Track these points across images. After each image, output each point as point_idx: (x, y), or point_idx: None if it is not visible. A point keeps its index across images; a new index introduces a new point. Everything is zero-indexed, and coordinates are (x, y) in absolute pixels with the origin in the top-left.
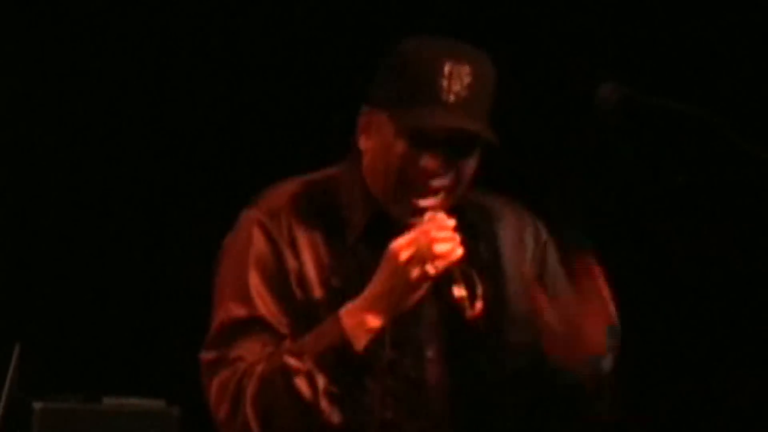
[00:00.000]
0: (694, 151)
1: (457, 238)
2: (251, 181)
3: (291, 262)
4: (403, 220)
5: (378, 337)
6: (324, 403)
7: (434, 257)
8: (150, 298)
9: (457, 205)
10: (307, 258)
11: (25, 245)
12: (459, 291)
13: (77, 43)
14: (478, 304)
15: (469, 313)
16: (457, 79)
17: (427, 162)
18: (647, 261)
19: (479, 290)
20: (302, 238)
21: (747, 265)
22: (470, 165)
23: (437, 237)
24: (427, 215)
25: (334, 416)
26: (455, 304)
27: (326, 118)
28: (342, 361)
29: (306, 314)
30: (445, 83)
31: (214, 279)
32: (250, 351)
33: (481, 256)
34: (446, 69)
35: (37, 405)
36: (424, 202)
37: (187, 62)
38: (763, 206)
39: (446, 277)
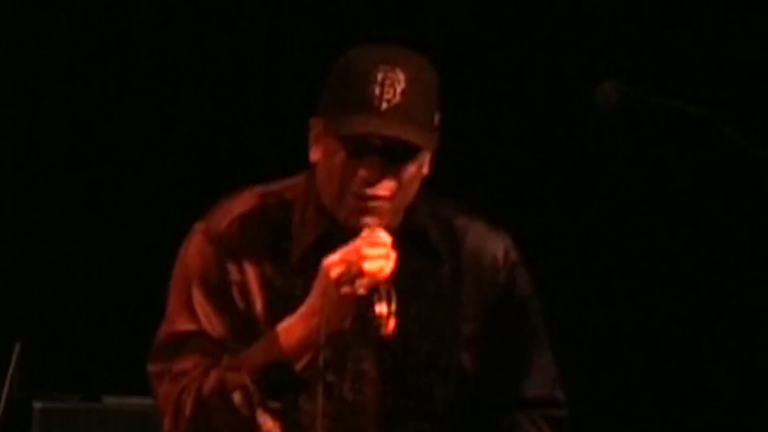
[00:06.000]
0: (694, 150)
1: (391, 255)
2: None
3: (234, 276)
4: (352, 229)
5: (316, 357)
6: (261, 418)
7: (362, 275)
8: (150, 298)
9: (421, 224)
10: (251, 274)
11: (25, 245)
12: (380, 308)
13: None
14: (391, 322)
15: (383, 330)
16: (390, 86)
17: (364, 171)
18: (646, 261)
19: (393, 307)
20: (248, 254)
21: (747, 264)
22: (410, 171)
23: (367, 255)
24: (365, 232)
25: (274, 427)
26: (373, 320)
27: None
28: (279, 377)
29: (249, 328)
30: (377, 90)
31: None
32: (193, 365)
33: (441, 278)
34: (379, 76)
35: (37, 405)
36: (365, 221)
37: (179, 63)
38: (763, 206)
39: (371, 295)
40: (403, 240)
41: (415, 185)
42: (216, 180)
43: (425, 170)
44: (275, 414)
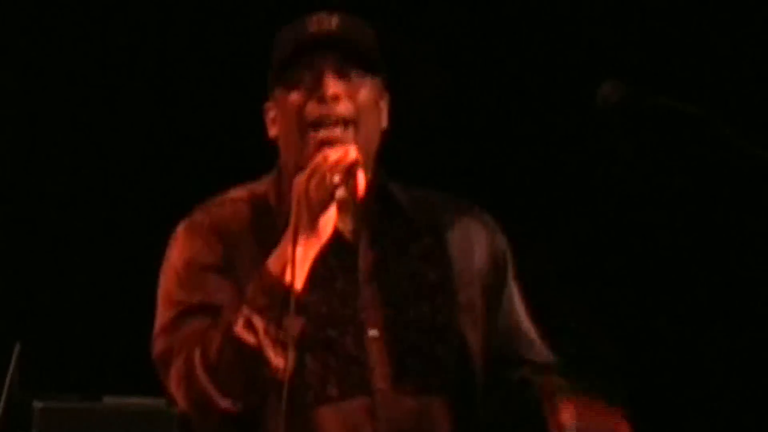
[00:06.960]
0: (694, 151)
1: (353, 150)
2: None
3: (223, 256)
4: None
5: (310, 270)
6: (269, 347)
7: (332, 167)
8: (150, 298)
9: (390, 192)
10: (240, 252)
11: (25, 245)
12: (352, 183)
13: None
14: (360, 184)
15: (356, 195)
16: (326, 22)
17: (317, 101)
18: (646, 261)
19: (360, 179)
20: (233, 235)
21: (747, 264)
22: (363, 94)
23: (331, 154)
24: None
25: (282, 362)
26: (351, 192)
27: None
28: (275, 301)
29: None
30: (313, 26)
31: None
32: (193, 330)
33: (425, 245)
34: (313, 19)
35: (37, 405)
36: (324, 133)
37: (179, 62)
38: (763, 206)
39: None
40: (376, 205)
41: (374, 124)
42: (216, 180)
43: (384, 121)
44: (283, 346)
